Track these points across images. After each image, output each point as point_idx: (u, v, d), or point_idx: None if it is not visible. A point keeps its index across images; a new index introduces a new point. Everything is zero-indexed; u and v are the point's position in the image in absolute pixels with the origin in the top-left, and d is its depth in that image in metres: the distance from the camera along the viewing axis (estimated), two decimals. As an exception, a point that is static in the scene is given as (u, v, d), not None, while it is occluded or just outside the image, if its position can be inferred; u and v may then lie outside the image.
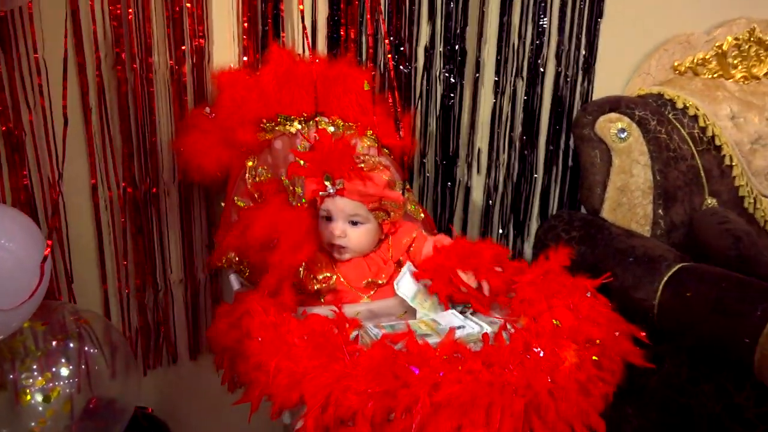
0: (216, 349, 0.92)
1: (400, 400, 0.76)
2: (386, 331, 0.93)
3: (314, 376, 0.79)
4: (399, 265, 1.15)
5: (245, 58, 1.31)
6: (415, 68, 1.53)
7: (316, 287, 1.09)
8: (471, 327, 0.98)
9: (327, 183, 1.08)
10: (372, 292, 1.11)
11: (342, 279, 1.11)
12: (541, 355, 0.81)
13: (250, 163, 1.22)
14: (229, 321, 0.91)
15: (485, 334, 0.89)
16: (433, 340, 0.89)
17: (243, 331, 0.88)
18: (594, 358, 0.84)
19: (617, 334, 0.89)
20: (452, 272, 1.03)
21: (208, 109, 1.22)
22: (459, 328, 0.97)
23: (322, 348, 0.81)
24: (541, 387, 0.78)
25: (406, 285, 1.04)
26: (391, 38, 1.43)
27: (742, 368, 1.40)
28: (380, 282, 1.13)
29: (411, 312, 1.09)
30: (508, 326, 0.88)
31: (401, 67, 1.50)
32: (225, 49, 1.29)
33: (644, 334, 0.95)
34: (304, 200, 1.23)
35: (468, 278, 1.04)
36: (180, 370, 1.43)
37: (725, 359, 1.45)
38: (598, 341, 0.86)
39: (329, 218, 1.12)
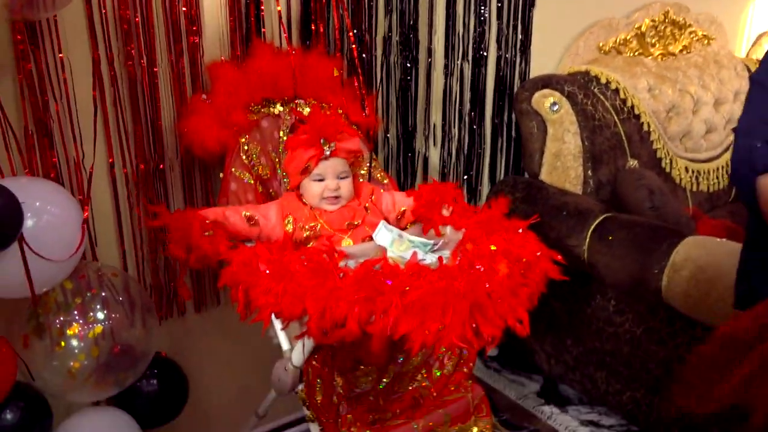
0: (232, 283, 1.17)
1: (378, 304, 1.02)
2: (364, 263, 1.19)
3: (313, 292, 1.04)
4: (366, 210, 1.43)
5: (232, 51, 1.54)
6: (376, 56, 1.79)
7: (305, 234, 1.35)
8: (431, 258, 1.26)
9: (325, 147, 1.34)
10: (350, 232, 1.38)
11: (326, 225, 1.37)
12: (481, 270, 1.09)
13: (242, 140, 1.46)
14: (241, 260, 1.16)
15: (440, 257, 1.16)
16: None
17: (254, 267, 1.13)
18: (521, 271, 1.12)
19: (538, 254, 1.17)
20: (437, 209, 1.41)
21: (205, 96, 1.45)
22: (422, 260, 1.24)
23: (317, 271, 1.07)
24: (481, 292, 1.06)
25: (383, 236, 1.31)
26: (354, 31, 1.68)
27: (654, 296, 1.72)
28: (356, 223, 1.40)
29: (381, 253, 1.35)
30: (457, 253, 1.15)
31: (364, 54, 1.75)
32: (215, 44, 1.52)
33: (560, 257, 1.23)
34: (286, 180, 1.50)
35: (446, 211, 1.41)
36: (187, 321, 1.67)
37: (642, 289, 1.75)
38: (524, 259, 1.14)
39: (321, 179, 1.38)
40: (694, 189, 2.40)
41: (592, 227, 1.86)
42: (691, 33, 2.57)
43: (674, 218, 1.93)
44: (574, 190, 2.08)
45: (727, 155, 2.52)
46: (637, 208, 1.98)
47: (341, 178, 1.40)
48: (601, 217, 1.87)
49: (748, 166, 1.10)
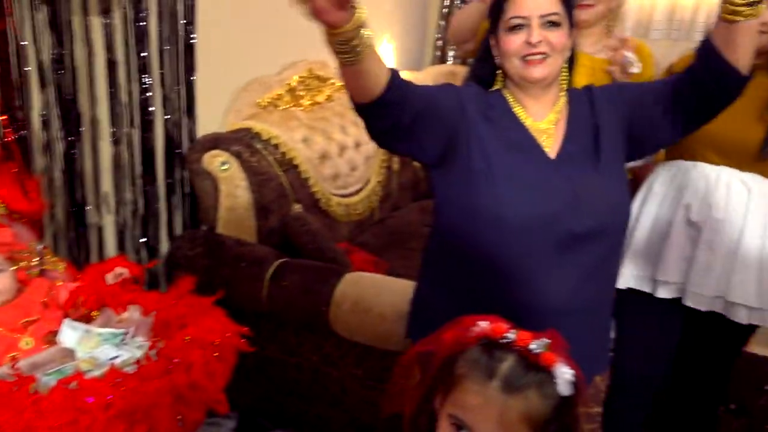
0: None
1: (82, 423, 1.06)
2: (56, 377, 1.19)
3: (10, 427, 1.02)
4: (44, 305, 1.41)
5: None
6: (33, 132, 1.70)
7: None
8: (125, 354, 1.31)
9: None
10: (29, 330, 1.35)
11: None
12: (179, 362, 1.21)
13: None
14: None
15: (138, 360, 1.24)
16: (97, 373, 1.19)
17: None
18: (215, 354, 1.28)
19: (228, 335, 1.34)
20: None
21: None
22: (115, 357, 1.29)
23: (8, 405, 1.04)
24: (182, 385, 1.18)
25: (68, 336, 1.31)
26: (7, 113, 1.59)
27: (325, 327, 2.04)
28: (34, 319, 1.38)
29: (70, 355, 1.35)
30: (151, 352, 1.25)
31: (20, 133, 1.65)
32: None
33: (247, 329, 1.41)
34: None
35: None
36: None
37: (315, 323, 2.06)
38: (217, 343, 1.30)
39: None
40: (346, 220, 2.85)
41: (269, 274, 2.11)
42: (331, 84, 3.01)
43: (332, 255, 2.30)
44: (250, 239, 2.29)
45: (369, 188, 3.02)
46: (305, 250, 2.29)
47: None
48: (276, 264, 2.13)
49: None
